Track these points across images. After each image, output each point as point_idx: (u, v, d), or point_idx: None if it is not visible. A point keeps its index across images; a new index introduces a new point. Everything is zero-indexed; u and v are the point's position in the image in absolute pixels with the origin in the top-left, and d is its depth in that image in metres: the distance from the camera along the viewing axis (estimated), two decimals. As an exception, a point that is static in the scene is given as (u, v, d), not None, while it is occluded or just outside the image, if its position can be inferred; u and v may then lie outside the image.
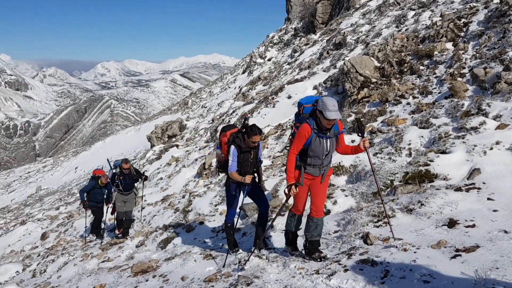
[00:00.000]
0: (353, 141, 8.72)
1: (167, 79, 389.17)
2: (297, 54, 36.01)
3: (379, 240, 4.64)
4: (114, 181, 10.13)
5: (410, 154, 6.77)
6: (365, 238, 4.67)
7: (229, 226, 6.01)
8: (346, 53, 20.88)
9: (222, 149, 5.93)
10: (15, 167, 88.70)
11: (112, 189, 10.58)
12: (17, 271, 11.16)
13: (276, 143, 12.81)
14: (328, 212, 6.22)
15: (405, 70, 12.03)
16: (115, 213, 10.68)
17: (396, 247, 4.29)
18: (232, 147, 5.63)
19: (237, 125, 6.83)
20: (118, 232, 10.46)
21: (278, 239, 6.14)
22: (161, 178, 16.92)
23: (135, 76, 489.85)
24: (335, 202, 6.23)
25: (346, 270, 4.08)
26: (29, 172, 62.53)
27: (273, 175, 9.29)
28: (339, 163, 7.30)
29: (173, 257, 6.79)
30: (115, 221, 10.71)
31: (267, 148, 12.94)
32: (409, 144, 6.98)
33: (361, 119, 10.04)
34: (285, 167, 9.63)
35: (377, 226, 5.03)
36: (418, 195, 5.33)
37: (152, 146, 30.81)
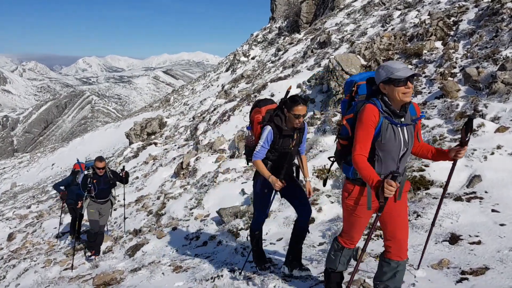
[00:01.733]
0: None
1: (149, 76, 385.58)
2: (281, 52, 35.54)
3: (371, 256, 4.07)
4: (86, 185, 7.92)
5: (401, 158, 6.25)
6: (355, 254, 4.09)
7: (256, 234, 4.58)
8: (330, 52, 20.43)
9: (253, 130, 4.42)
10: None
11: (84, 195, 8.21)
12: (-24, 277, 10.32)
13: (258, 143, 12.19)
14: (312, 220, 5.63)
15: (392, 69, 11.55)
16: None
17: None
18: (268, 128, 4.11)
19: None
20: (90, 254, 8.24)
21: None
22: (137, 177, 16.14)
23: (117, 72, 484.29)
24: (320, 210, 5.64)
25: (333, 294, 3.49)
26: (4, 168, 60.73)
27: (253, 177, 8.67)
28: (324, 166, 6.73)
29: (140, 268, 6.11)
30: (87, 236, 8.44)
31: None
32: (401, 147, 6.46)
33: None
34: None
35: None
36: (413, 204, 4.79)
37: (131, 143, 29.87)
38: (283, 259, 4.77)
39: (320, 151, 8.50)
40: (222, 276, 4.64)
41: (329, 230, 4.97)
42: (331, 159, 3.47)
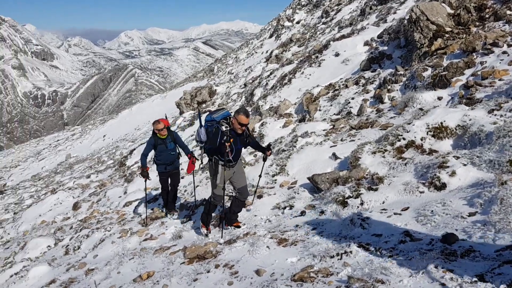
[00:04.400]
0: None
1: (189, 47, 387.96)
2: (333, 13, 33.84)
3: None
4: (222, 147, 5.61)
5: (545, 110, 5.17)
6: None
7: None
8: (396, 7, 18.83)
9: None
10: (44, 136, 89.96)
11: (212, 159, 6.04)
12: (49, 246, 10.22)
13: (331, 105, 11.24)
14: (443, 186, 4.72)
15: (487, 16, 10.17)
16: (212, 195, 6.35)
17: None
18: None
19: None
20: (206, 231, 6.42)
21: (374, 219, 4.68)
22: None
23: (158, 44, 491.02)
24: (452, 173, 4.71)
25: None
26: (58, 140, 62.99)
27: (342, 140, 7.79)
28: (441, 123, 5.75)
29: (235, 239, 5.47)
30: (208, 207, 6.40)
31: (319, 110, 11.39)
32: (541, 98, 5.37)
33: (444, 74, 8.37)
34: (354, 130, 8.11)
35: (547, 209, 3.52)
36: None
37: (182, 112, 29.65)
38: (425, 234, 3.94)
39: (420, 108, 7.49)
40: (351, 252, 3.87)
41: (477, 198, 4.06)
42: None
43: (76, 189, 18.62)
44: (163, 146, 8.23)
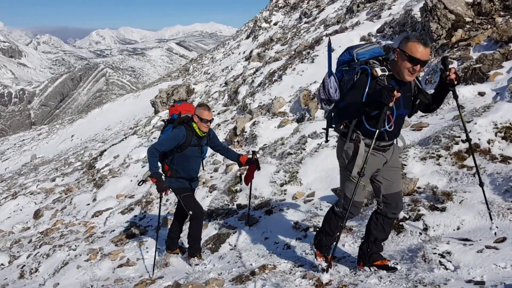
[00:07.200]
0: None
1: (163, 48, 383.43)
2: (315, 12, 32.87)
3: None
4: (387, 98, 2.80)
5: None
6: None
7: None
8: (389, 2, 17.81)
9: None
10: (10, 135, 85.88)
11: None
12: (2, 265, 8.54)
13: (334, 103, 9.93)
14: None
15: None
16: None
17: None
18: None
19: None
20: (325, 264, 3.57)
21: (458, 256, 3.33)
22: (177, 147, 14.06)
23: (130, 44, 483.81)
24: None
25: None
26: (23, 140, 59.99)
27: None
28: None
29: (248, 276, 3.99)
30: (330, 220, 3.57)
31: (322, 109, 10.06)
32: None
33: (478, 66, 7.15)
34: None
35: None
36: None
37: (157, 112, 27.90)
38: None
39: (461, 105, 6.24)
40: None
41: None
42: None
43: (39, 194, 16.67)
44: (197, 149, 4.88)
